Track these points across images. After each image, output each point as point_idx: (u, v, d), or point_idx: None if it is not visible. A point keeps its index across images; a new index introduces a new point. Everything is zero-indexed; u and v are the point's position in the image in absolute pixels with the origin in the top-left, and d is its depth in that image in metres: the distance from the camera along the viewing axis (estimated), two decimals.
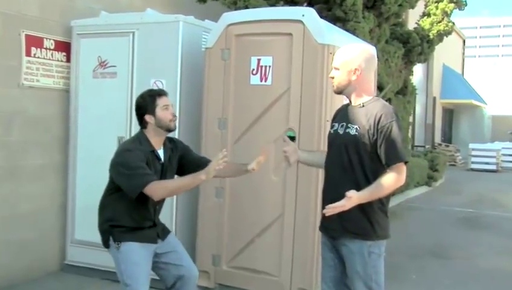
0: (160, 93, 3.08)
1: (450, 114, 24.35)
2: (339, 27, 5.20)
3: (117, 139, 4.47)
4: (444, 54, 19.72)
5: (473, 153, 18.49)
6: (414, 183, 11.70)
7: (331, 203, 2.60)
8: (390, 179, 2.50)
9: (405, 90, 10.42)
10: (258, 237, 4.12)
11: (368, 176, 2.55)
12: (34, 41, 4.54)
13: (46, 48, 4.63)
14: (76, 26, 4.72)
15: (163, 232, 3.17)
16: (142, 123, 3.05)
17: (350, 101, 2.70)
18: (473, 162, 18.39)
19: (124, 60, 4.46)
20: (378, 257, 2.59)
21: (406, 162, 2.55)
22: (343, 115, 2.73)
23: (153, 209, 3.07)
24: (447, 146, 20.80)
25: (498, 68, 33.11)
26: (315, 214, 3.88)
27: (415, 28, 10.55)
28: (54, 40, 4.69)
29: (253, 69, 4.09)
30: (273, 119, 4.04)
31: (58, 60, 4.74)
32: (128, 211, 2.98)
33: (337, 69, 2.66)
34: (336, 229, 2.63)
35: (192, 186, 2.99)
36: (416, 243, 6.64)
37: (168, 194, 3.05)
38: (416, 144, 16.77)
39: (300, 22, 3.90)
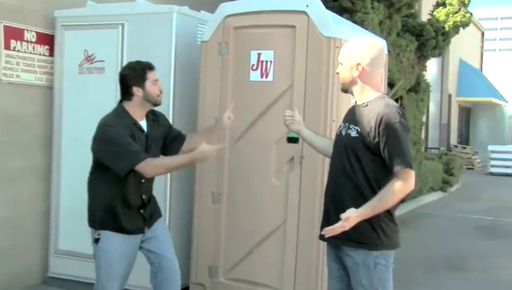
0: (151, 66, 3.25)
1: (467, 113, 24.40)
2: (346, 19, 5.23)
3: None
4: (461, 47, 19.77)
5: (492, 155, 18.55)
6: (427, 188, 11.74)
7: (332, 207, 2.67)
8: (394, 189, 2.50)
9: (418, 88, 10.45)
10: (257, 247, 4.14)
11: (371, 181, 2.57)
12: (14, 33, 4.56)
13: (27, 41, 4.65)
14: (60, 17, 4.74)
15: (151, 218, 3.33)
16: (127, 95, 3.20)
17: (356, 100, 2.73)
18: (492, 166, 18.45)
19: (113, 55, 4.48)
20: (385, 268, 2.60)
21: (411, 167, 2.53)
22: (349, 114, 2.77)
23: (140, 185, 3.21)
24: (464, 148, 20.85)
25: None
26: (320, 222, 3.89)
27: (428, 20, 10.59)
28: (35, 32, 4.71)
29: (253, 65, 4.11)
30: (275, 119, 4.05)
31: (40, 54, 4.77)
32: (114, 189, 3.14)
33: (341, 64, 2.70)
34: (338, 237, 2.64)
35: (187, 165, 3.24)
36: (430, 254, 6.67)
37: (162, 173, 3.30)
38: (430, 145, 16.81)
39: (304, 13, 3.93)
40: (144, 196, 3.28)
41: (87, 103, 4.61)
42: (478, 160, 20.73)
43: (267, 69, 4.08)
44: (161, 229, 3.40)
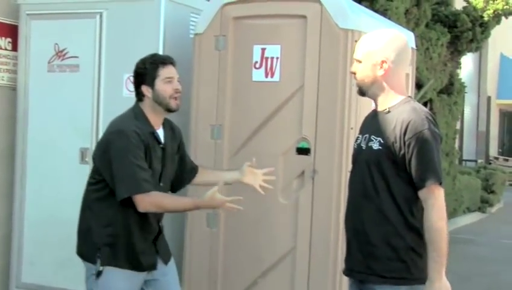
0: (165, 60, 3.22)
1: (510, 118, 24.45)
2: (366, 7, 5.29)
3: (79, 151, 4.54)
4: (503, 40, 19.84)
5: None
6: (463, 208, 11.76)
7: (353, 235, 2.72)
8: (435, 214, 2.53)
9: (451, 88, 10.50)
10: (262, 278, 4.15)
11: (398, 202, 2.60)
12: None
13: None
14: (25, 4, 4.77)
15: (167, 252, 3.31)
16: (139, 94, 3.20)
17: (376, 105, 2.76)
18: None
19: (89, 49, 4.51)
20: None
21: (440, 183, 2.57)
22: (368, 123, 2.80)
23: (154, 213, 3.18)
24: (506, 160, 20.87)
25: None
26: (336, 247, 3.93)
27: (464, 8, 10.62)
28: None
29: (256, 62, 4.14)
30: (282, 126, 4.10)
31: (1, 48, 4.82)
32: (127, 212, 3.06)
33: (359, 61, 2.72)
34: (361, 271, 2.69)
35: (188, 210, 3.22)
36: (468, 288, 6.70)
37: (159, 211, 3.17)
38: (465, 157, 16.85)
39: (317, 0, 3.97)
40: (160, 224, 3.28)
41: (58, 107, 4.65)
42: None
43: (273, 67, 4.10)
44: (171, 270, 3.36)
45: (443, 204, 2.58)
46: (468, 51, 10.76)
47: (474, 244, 9.49)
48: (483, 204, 13.03)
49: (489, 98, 20.53)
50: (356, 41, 3.83)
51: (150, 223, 3.17)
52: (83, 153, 4.53)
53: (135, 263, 3.12)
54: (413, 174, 2.57)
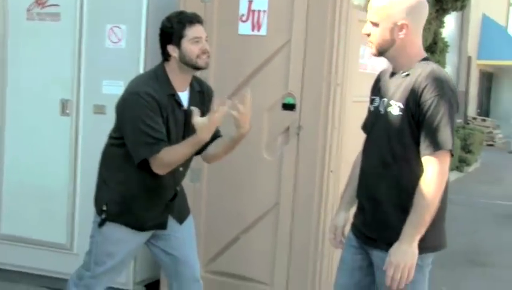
0: (193, 19, 3.11)
1: (489, 79, 24.62)
2: None
3: (60, 102, 4.47)
4: (485, 1, 19.81)
5: None
6: None
7: (367, 202, 2.68)
8: (431, 181, 2.46)
9: (434, 47, 10.50)
10: (244, 234, 4.16)
11: (416, 171, 2.50)
12: None
13: None
14: None
15: (182, 212, 3.32)
16: (165, 54, 3.12)
17: (394, 66, 2.67)
18: None
19: None
20: (419, 269, 2.57)
21: (451, 152, 2.50)
22: (385, 86, 2.68)
23: (178, 172, 3.15)
24: (484, 121, 21.11)
25: None
26: (319, 205, 3.94)
27: None
28: None
29: (243, 15, 4.09)
30: (268, 81, 4.06)
31: None
32: (141, 174, 3.04)
33: (375, 24, 2.59)
34: (371, 237, 2.66)
35: (194, 150, 3.07)
36: (446, 247, 6.74)
37: (171, 168, 3.07)
38: None
39: None
40: (178, 188, 3.25)
41: (38, 57, 4.55)
42: (500, 135, 21.01)
43: (260, 20, 4.05)
44: (187, 227, 3.35)
45: (445, 173, 2.51)
46: (453, 10, 10.72)
47: (452, 203, 9.50)
48: (461, 163, 13.16)
49: (469, 58, 20.58)
50: None
51: (165, 187, 3.15)
52: (63, 104, 4.45)
53: (138, 225, 3.14)
54: (422, 137, 2.49)
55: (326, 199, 3.97)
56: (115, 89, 4.09)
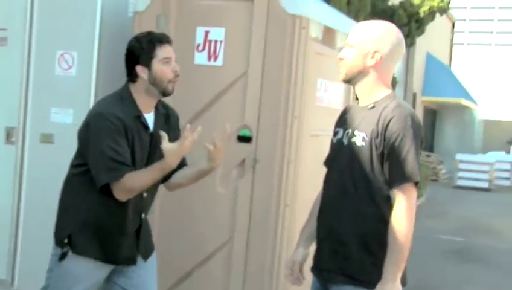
0: (163, 39, 3.04)
1: (432, 115, 25.22)
2: None
3: (5, 130, 4.34)
4: (429, 39, 20.36)
5: (461, 166, 19.25)
6: None
7: (327, 234, 2.65)
8: (402, 217, 2.46)
9: None
10: (198, 268, 4.07)
11: (378, 202, 2.54)
12: None
13: None
14: None
15: (148, 247, 3.16)
16: (131, 75, 3.02)
17: (358, 98, 2.70)
18: (460, 178, 19.14)
19: (19, 21, 4.32)
20: None
21: (416, 183, 2.53)
22: (349, 117, 2.71)
23: (141, 200, 3.03)
24: (428, 156, 21.50)
25: (491, 60, 34.57)
26: (274, 241, 3.88)
27: (401, 3, 10.84)
28: None
29: (199, 45, 4.07)
30: (224, 113, 4.01)
31: None
32: (105, 202, 2.91)
33: (351, 46, 2.65)
34: (330, 270, 2.63)
35: (158, 178, 2.97)
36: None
37: (133, 194, 2.96)
38: None
39: None
40: (143, 215, 3.11)
41: None
42: (444, 171, 21.44)
43: (216, 51, 4.03)
44: (151, 264, 3.18)
45: (413, 206, 2.52)
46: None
47: None
48: None
49: (415, 95, 21.11)
50: (304, 28, 3.87)
51: (128, 214, 3.00)
52: (9, 132, 4.33)
53: (109, 256, 3.00)
54: (388, 171, 2.52)
55: (282, 234, 3.92)
56: (64, 117, 4.03)
